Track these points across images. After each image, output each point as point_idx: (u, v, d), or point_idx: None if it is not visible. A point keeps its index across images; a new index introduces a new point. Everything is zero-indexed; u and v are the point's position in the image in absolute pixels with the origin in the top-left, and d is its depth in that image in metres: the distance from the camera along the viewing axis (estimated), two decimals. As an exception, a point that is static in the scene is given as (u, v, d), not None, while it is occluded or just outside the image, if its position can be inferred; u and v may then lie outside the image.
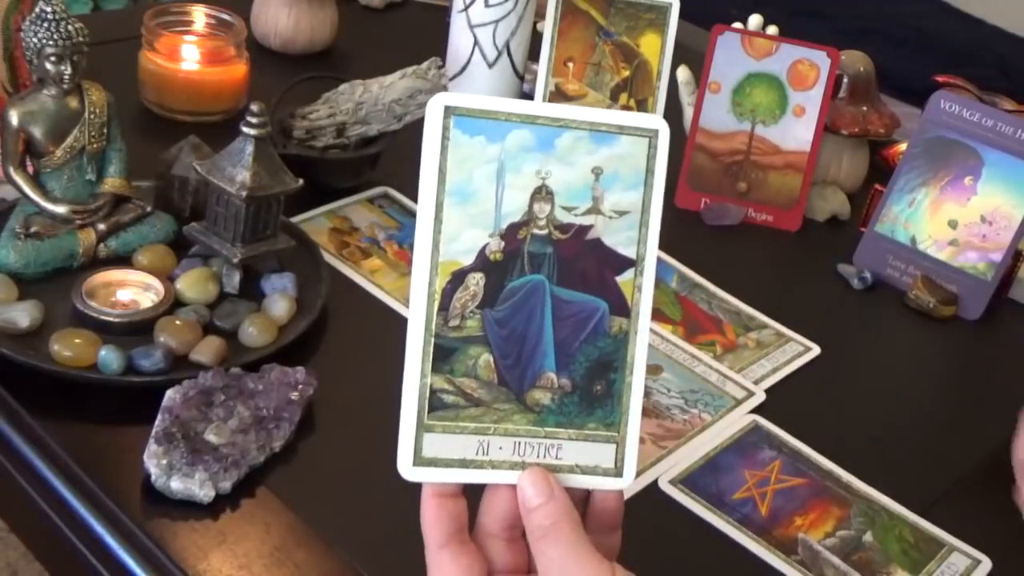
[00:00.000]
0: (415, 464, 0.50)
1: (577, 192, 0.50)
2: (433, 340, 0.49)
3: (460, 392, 0.50)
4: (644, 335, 0.51)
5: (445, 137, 0.49)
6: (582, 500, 0.52)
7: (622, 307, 0.51)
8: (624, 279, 0.51)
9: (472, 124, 0.49)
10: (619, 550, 0.53)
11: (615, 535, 0.53)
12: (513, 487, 0.50)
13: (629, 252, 0.51)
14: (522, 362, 0.51)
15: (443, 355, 0.50)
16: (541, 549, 0.49)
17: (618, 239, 0.51)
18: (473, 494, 0.51)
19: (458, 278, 0.50)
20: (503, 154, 0.49)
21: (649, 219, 0.51)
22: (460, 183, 0.49)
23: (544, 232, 0.50)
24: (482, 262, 0.50)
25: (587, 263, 0.51)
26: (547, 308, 0.51)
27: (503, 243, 0.50)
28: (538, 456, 0.51)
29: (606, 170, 0.50)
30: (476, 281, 0.50)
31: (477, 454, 0.50)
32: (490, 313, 0.50)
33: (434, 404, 0.50)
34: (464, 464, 0.50)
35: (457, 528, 0.50)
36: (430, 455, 0.50)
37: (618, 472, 0.51)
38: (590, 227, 0.51)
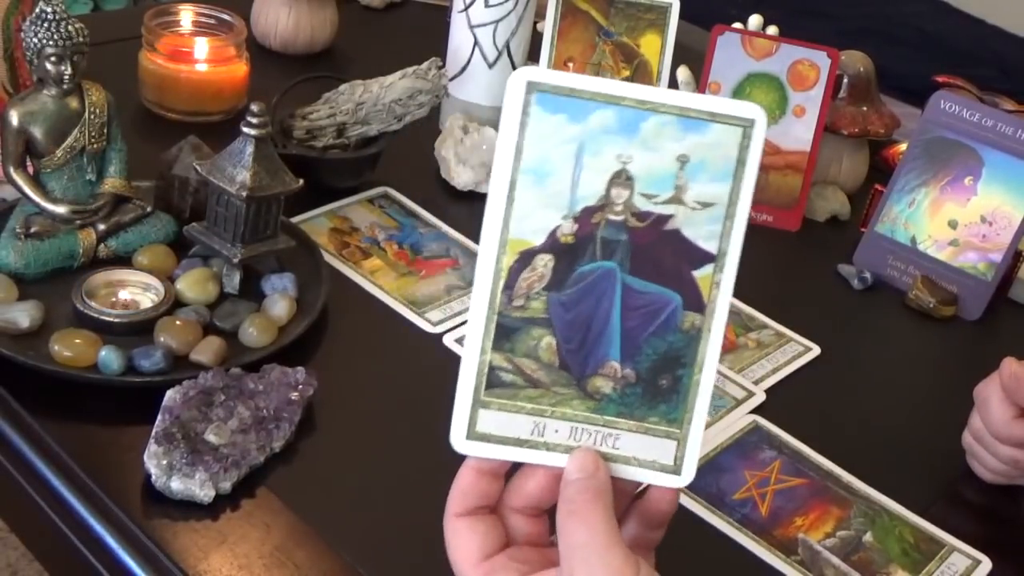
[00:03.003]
0: (468, 437, 0.49)
1: (659, 179, 0.48)
2: (496, 318, 0.48)
3: (519, 372, 0.49)
4: (719, 334, 0.50)
5: (525, 113, 0.47)
6: (632, 494, 0.51)
7: (697, 302, 0.49)
8: (702, 274, 0.49)
9: (554, 102, 0.47)
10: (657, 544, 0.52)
11: (659, 531, 0.51)
12: (554, 473, 0.49)
13: (710, 246, 0.49)
14: (585, 348, 0.49)
15: (505, 333, 0.49)
16: (568, 528, 0.47)
17: (699, 232, 0.49)
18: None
19: (526, 258, 0.48)
20: (584, 135, 0.47)
21: (736, 213, 0.49)
22: (536, 161, 0.47)
23: (620, 218, 0.48)
24: (552, 244, 0.48)
25: (663, 254, 0.49)
26: (616, 296, 0.49)
27: (576, 226, 0.48)
28: (595, 443, 0.49)
29: (692, 158, 0.48)
30: (544, 263, 0.48)
31: (532, 435, 0.49)
32: (556, 296, 0.49)
33: (492, 381, 0.49)
34: (519, 443, 0.49)
35: (482, 505, 0.49)
36: (484, 430, 0.49)
37: (676, 470, 0.50)
38: (670, 217, 0.48)
